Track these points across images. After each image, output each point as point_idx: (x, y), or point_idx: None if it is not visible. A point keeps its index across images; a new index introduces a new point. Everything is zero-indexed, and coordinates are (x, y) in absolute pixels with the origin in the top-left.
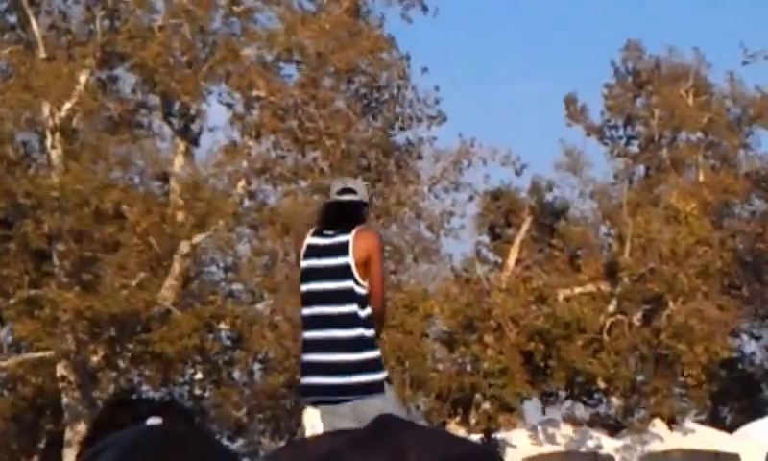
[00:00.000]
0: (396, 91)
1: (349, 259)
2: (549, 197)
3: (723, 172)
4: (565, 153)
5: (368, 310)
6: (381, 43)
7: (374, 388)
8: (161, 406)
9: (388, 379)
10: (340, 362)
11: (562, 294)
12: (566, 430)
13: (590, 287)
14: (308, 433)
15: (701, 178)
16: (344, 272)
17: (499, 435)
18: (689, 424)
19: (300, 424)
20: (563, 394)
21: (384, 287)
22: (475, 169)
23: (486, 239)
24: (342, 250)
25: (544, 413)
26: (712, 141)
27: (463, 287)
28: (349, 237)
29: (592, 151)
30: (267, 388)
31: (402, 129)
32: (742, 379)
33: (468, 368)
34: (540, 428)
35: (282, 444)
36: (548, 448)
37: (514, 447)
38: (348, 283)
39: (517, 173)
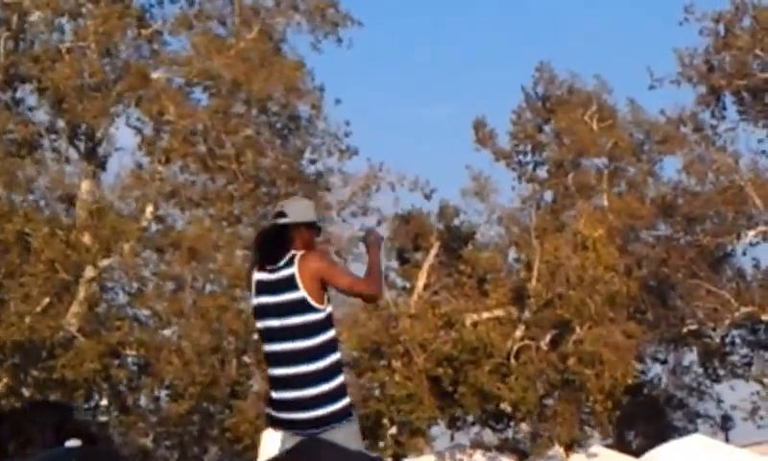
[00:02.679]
0: (307, 121)
1: (302, 293)
2: (457, 222)
3: (629, 197)
4: (473, 178)
5: (331, 332)
6: (297, 73)
7: (342, 415)
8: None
9: (352, 403)
10: (309, 397)
11: (469, 319)
12: (475, 456)
13: (498, 312)
14: (262, 456)
15: (606, 203)
16: (300, 306)
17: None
18: (596, 448)
19: (206, 450)
20: (471, 419)
21: (353, 282)
22: (384, 194)
23: (394, 264)
24: (291, 285)
25: (453, 438)
26: (618, 167)
27: (371, 313)
28: (293, 270)
29: (500, 176)
30: (173, 414)
31: (313, 162)
32: (647, 404)
33: (376, 394)
34: (447, 454)
35: None
36: None
37: None
38: (308, 317)
39: (426, 196)
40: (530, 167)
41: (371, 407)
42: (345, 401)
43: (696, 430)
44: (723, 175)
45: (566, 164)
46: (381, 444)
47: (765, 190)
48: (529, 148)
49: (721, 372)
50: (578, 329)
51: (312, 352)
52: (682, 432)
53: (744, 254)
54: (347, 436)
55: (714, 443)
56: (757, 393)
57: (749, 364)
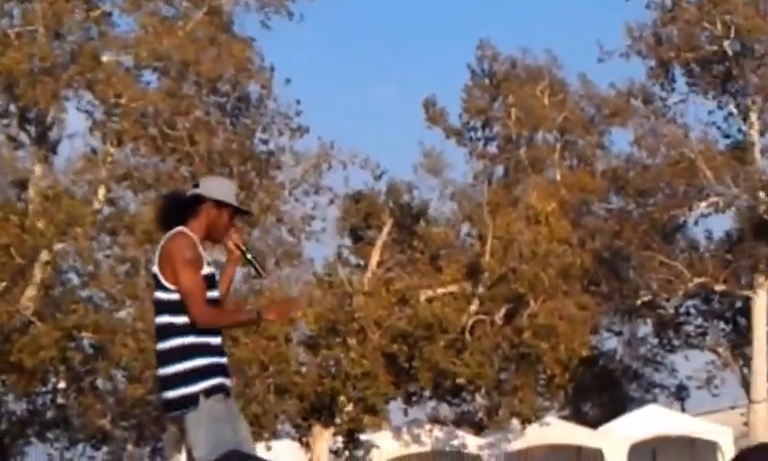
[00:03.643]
0: (258, 101)
1: (156, 269)
2: (409, 199)
3: (580, 171)
4: (425, 154)
5: (184, 317)
6: (247, 54)
7: (185, 402)
8: None
9: (210, 390)
10: (161, 376)
11: (424, 295)
12: (431, 430)
13: (452, 288)
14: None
15: (558, 177)
16: (155, 282)
17: (364, 436)
18: (552, 420)
19: (164, 430)
20: (427, 394)
21: (191, 294)
22: (335, 172)
23: (347, 242)
24: (156, 257)
25: (406, 414)
26: (569, 140)
27: (325, 291)
28: (161, 244)
29: (452, 152)
30: (130, 396)
31: (264, 142)
32: (603, 375)
33: (332, 371)
34: (404, 429)
35: (147, 450)
36: (414, 449)
37: (378, 448)
38: (157, 294)
39: (376, 177)
40: (481, 143)
41: (326, 385)
42: (193, 388)
43: (652, 400)
44: (674, 147)
45: (518, 139)
46: (338, 420)
47: (716, 162)
48: (480, 124)
49: (676, 342)
50: (532, 303)
51: (162, 331)
52: (638, 403)
53: (696, 224)
54: (189, 426)
55: (670, 412)
56: (712, 362)
57: (703, 334)
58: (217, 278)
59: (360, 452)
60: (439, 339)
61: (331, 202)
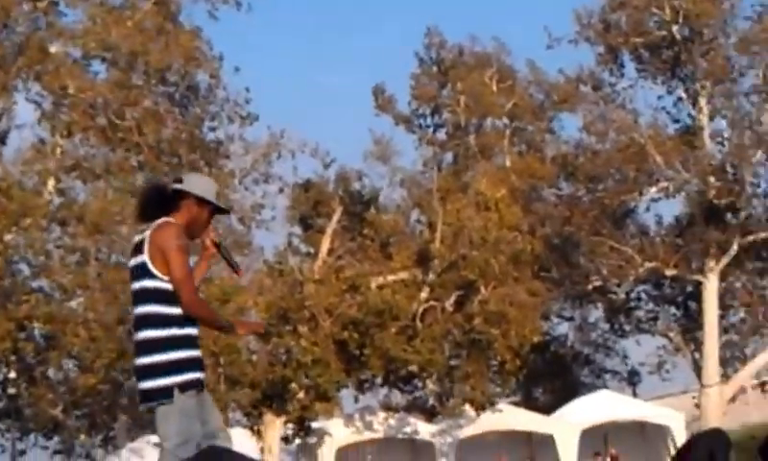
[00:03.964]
0: (207, 90)
1: (145, 258)
2: (359, 186)
3: (530, 157)
4: (375, 142)
5: (175, 308)
6: (195, 43)
7: (158, 394)
8: None
9: (185, 385)
10: (138, 366)
11: (374, 282)
12: (383, 417)
13: (403, 275)
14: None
15: (508, 163)
16: (141, 271)
17: (315, 424)
18: (504, 406)
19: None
20: (379, 381)
21: (184, 280)
22: (285, 161)
23: (297, 230)
24: (138, 249)
25: (357, 401)
26: (518, 127)
27: (276, 279)
28: (147, 233)
29: (401, 140)
30: (83, 385)
31: (213, 130)
32: (554, 361)
33: (283, 359)
34: (356, 416)
35: (98, 439)
36: (366, 436)
37: (330, 435)
38: (144, 283)
39: (325, 165)
40: (430, 130)
41: (277, 373)
42: (168, 380)
43: (603, 386)
44: (623, 133)
45: (467, 126)
46: (289, 408)
47: (665, 147)
48: (428, 111)
49: (627, 327)
50: (483, 289)
51: (144, 321)
52: (589, 388)
53: (647, 210)
54: (159, 418)
55: (621, 397)
56: (663, 347)
57: (654, 319)
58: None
59: (312, 440)
60: (390, 326)
61: (281, 190)
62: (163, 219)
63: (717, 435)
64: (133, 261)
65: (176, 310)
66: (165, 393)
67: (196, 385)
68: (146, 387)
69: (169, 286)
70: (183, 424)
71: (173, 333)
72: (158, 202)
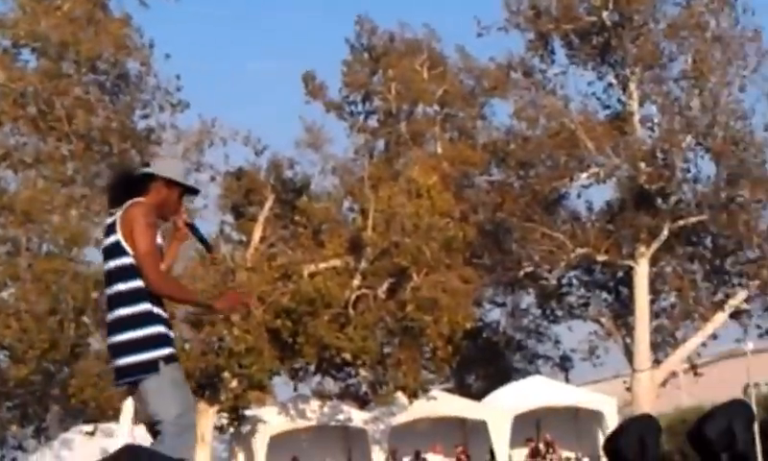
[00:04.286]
0: (137, 78)
1: (118, 236)
2: (291, 174)
3: (461, 144)
4: (306, 129)
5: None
6: (125, 31)
7: (143, 368)
8: None
9: (168, 358)
10: (112, 344)
11: (306, 270)
12: (317, 405)
13: (335, 262)
14: (123, 418)
15: (439, 150)
16: (115, 250)
17: (249, 412)
18: (437, 393)
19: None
20: (312, 369)
21: (148, 255)
22: (217, 149)
23: (229, 219)
24: (112, 228)
25: (296, 389)
26: (449, 113)
27: (208, 267)
28: (119, 214)
29: (333, 127)
30: (14, 377)
31: (145, 117)
32: (487, 347)
33: (216, 348)
34: (290, 404)
35: (30, 430)
36: (299, 424)
37: (264, 423)
38: (119, 261)
39: (257, 153)
40: (362, 117)
41: (210, 362)
42: (151, 354)
43: (536, 372)
44: (554, 118)
45: (398, 113)
46: (222, 397)
47: (596, 132)
48: (360, 98)
49: (559, 313)
50: (415, 277)
51: (120, 298)
52: (522, 374)
53: (578, 196)
54: (150, 392)
55: (554, 383)
56: (595, 332)
57: (586, 304)
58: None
59: (245, 428)
60: (322, 314)
61: (213, 179)
62: (134, 200)
63: (647, 421)
64: (107, 241)
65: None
66: (150, 366)
67: (177, 359)
68: (128, 362)
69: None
70: (178, 393)
71: (150, 309)
72: (127, 186)
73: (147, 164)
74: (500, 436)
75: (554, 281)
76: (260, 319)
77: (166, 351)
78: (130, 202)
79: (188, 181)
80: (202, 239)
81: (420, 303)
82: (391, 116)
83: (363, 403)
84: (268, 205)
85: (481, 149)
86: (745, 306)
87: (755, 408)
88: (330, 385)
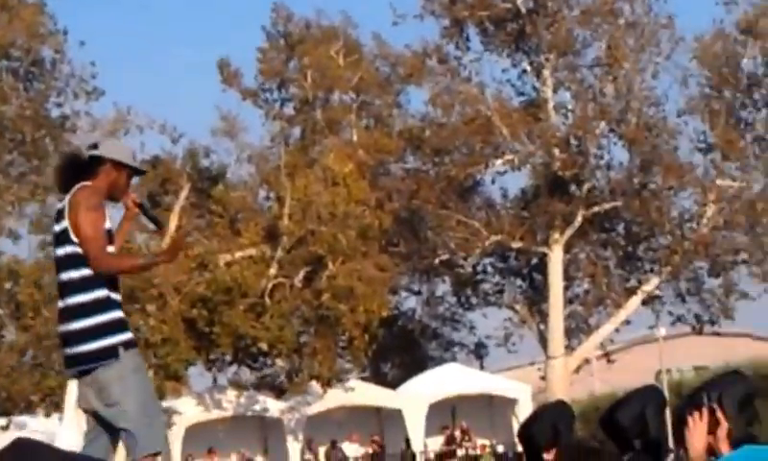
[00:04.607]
0: (51, 65)
1: (65, 223)
2: (206, 163)
3: (377, 131)
4: (222, 118)
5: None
6: (38, 18)
7: (102, 355)
8: None
9: (128, 344)
10: (66, 332)
11: (222, 259)
12: (233, 395)
13: (251, 251)
14: (67, 406)
15: (355, 138)
16: (63, 237)
17: (165, 403)
18: (353, 382)
19: None
20: (228, 359)
21: (91, 237)
22: (132, 137)
23: None
24: (60, 214)
25: (215, 381)
26: (365, 101)
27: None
28: (66, 199)
29: (248, 115)
30: None
31: (59, 105)
32: (403, 335)
33: None
34: (206, 395)
35: None
36: (215, 414)
37: (180, 414)
38: (68, 249)
39: (174, 141)
40: (277, 105)
41: None
42: (109, 340)
43: (452, 359)
44: (469, 105)
45: (314, 100)
46: None
47: (511, 119)
48: (275, 86)
49: (474, 300)
50: (331, 265)
51: (73, 285)
52: (438, 361)
53: (493, 182)
54: (109, 380)
55: (469, 370)
56: (510, 319)
57: (500, 291)
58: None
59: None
60: (238, 303)
61: None
62: (81, 183)
63: (560, 407)
64: (56, 227)
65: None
66: (109, 352)
67: (136, 344)
68: (86, 350)
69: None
70: (138, 380)
71: (105, 295)
72: (75, 170)
73: (95, 146)
74: (416, 424)
75: (469, 269)
76: (176, 309)
77: (125, 336)
78: (76, 186)
79: (135, 162)
80: (152, 217)
81: (336, 292)
82: (306, 104)
83: (279, 393)
84: (183, 194)
85: (396, 136)
86: (657, 293)
87: (667, 394)
88: (247, 375)
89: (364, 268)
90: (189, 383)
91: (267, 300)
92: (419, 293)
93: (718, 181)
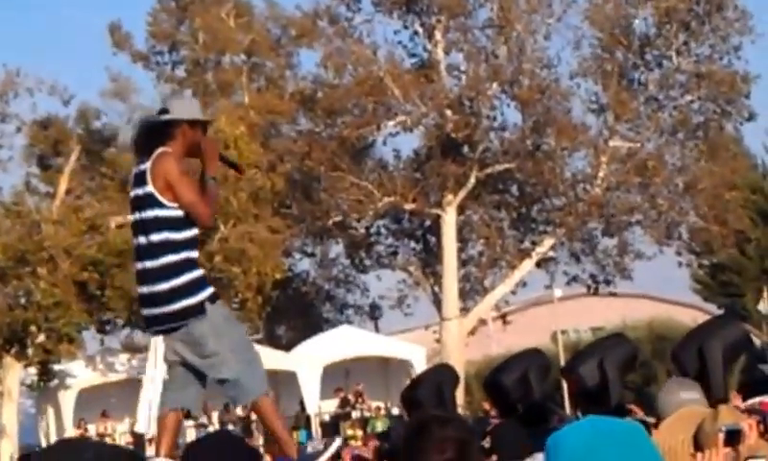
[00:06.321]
0: None
1: (150, 188)
2: (98, 125)
3: (268, 93)
4: (112, 79)
5: (185, 233)
6: None
7: (192, 312)
8: None
9: (213, 297)
10: (154, 293)
11: (114, 222)
12: (125, 358)
13: None
14: (150, 361)
15: (247, 100)
16: (148, 201)
17: (57, 367)
18: None
19: None
20: (121, 322)
21: (196, 202)
22: (22, 99)
23: (36, 170)
24: (143, 179)
25: (102, 343)
26: (256, 63)
27: (14, 220)
28: (147, 165)
29: (140, 77)
30: None
31: None
32: (296, 297)
33: (23, 302)
34: (98, 358)
35: None
36: (109, 378)
37: (73, 377)
38: (153, 212)
39: (65, 102)
40: (168, 67)
41: (17, 316)
42: (197, 297)
43: (346, 321)
44: (361, 67)
45: (205, 62)
46: (30, 351)
47: (403, 80)
48: (166, 48)
49: (367, 262)
50: (223, 228)
51: (157, 248)
52: (332, 323)
53: (385, 144)
54: (203, 334)
55: (363, 333)
56: (404, 281)
57: (394, 253)
58: None
59: (53, 383)
60: (130, 266)
61: (18, 130)
62: (160, 149)
63: (445, 370)
64: (139, 191)
65: (186, 234)
66: (197, 309)
67: (219, 297)
68: (177, 308)
69: (179, 213)
70: (232, 327)
71: (187, 256)
72: (151, 135)
73: (166, 110)
74: (310, 387)
75: (362, 231)
76: (67, 272)
77: (208, 291)
78: (157, 153)
79: (205, 115)
80: (231, 163)
81: (228, 255)
82: (198, 66)
83: None
84: (74, 156)
85: (288, 98)
86: (552, 254)
87: (562, 354)
88: (139, 338)
89: (256, 230)
90: (85, 346)
91: None
92: (312, 255)
93: (611, 142)
